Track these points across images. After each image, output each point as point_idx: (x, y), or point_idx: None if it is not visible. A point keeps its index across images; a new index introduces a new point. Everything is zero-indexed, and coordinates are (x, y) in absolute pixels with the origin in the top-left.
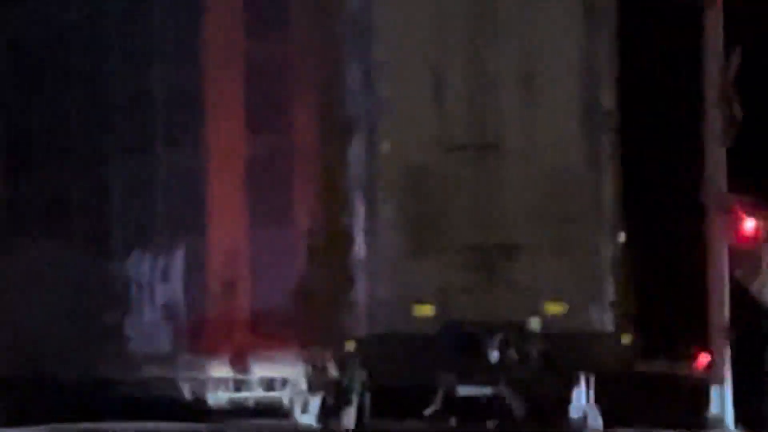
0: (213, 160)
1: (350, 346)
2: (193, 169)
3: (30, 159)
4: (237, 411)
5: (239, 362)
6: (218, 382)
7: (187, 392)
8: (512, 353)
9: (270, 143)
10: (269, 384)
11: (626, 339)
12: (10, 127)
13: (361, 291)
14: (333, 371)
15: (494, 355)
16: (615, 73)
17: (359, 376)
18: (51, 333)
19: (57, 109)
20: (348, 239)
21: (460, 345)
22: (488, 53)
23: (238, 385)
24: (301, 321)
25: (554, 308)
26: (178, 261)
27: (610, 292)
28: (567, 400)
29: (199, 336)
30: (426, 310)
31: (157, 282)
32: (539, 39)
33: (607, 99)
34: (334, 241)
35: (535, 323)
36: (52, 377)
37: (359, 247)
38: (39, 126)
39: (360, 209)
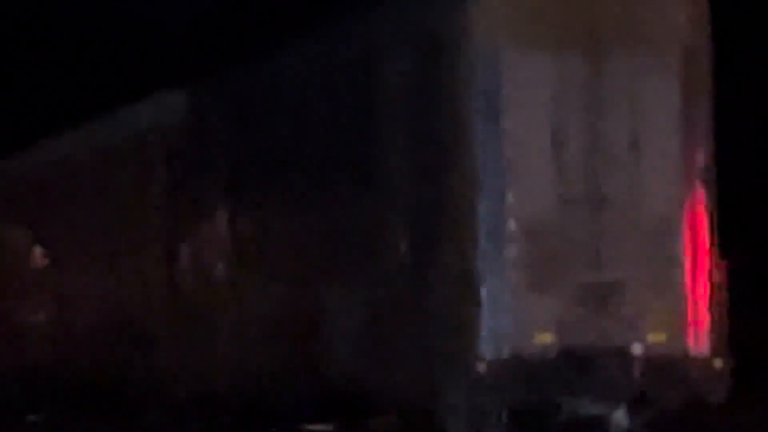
0: None
1: (481, 368)
2: None
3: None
4: None
5: None
6: None
7: None
8: (618, 376)
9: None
10: None
11: (719, 363)
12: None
13: (488, 321)
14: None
15: (604, 378)
16: (711, 132)
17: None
18: None
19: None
20: (477, 276)
21: (575, 368)
22: (600, 119)
23: None
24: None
25: (655, 336)
26: None
27: (705, 320)
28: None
29: None
30: (546, 338)
31: None
32: (644, 105)
33: (704, 155)
34: (465, 277)
35: (636, 349)
36: None
37: (488, 283)
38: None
39: (489, 251)
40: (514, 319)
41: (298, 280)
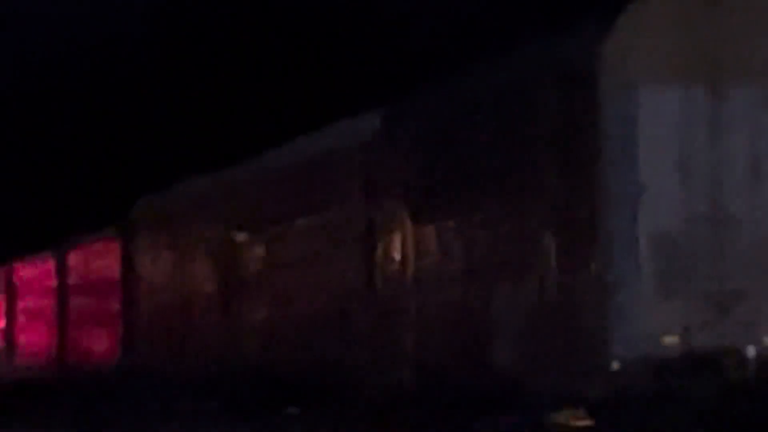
0: None
1: (615, 366)
2: None
3: None
4: None
5: None
6: None
7: None
8: (734, 375)
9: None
10: None
11: None
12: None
13: (622, 324)
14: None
15: (722, 376)
16: None
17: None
18: None
19: None
20: (612, 285)
21: (697, 367)
22: (722, 144)
23: None
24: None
25: None
26: None
27: None
28: None
29: None
30: (672, 339)
31: None
32: (763, 132)
33: None
34: (602, 285)
35: (751, 350)
36: None
37: (621, 292)
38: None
39: (622, 263)
40: (644, 323)
41: (470, 280)
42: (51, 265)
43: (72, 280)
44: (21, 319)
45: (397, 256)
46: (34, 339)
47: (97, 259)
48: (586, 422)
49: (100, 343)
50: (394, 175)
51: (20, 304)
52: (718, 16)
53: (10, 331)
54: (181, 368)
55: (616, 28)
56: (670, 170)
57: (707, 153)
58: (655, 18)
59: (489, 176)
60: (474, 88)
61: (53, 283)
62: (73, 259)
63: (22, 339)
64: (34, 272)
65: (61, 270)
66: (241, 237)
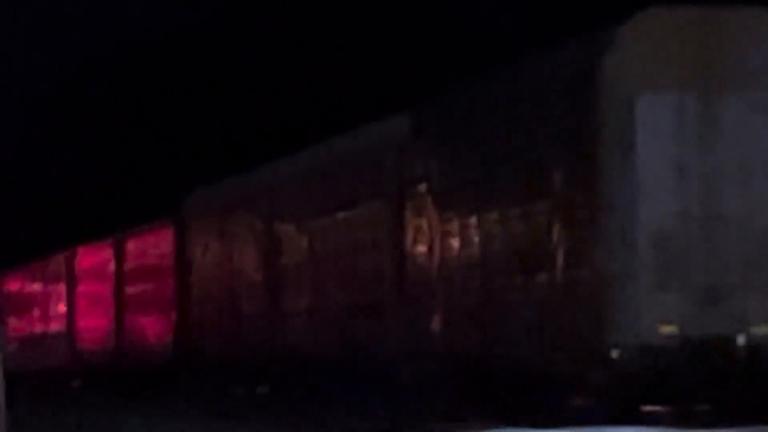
0: None
1: (616, 353)
2: None
3: None
4: None
5: None
6: None
7: None
8: (726, 361)
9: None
10: None
11: None
12: None
13: (623, 315)
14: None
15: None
16: None
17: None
18: None
19: None
20: (613, 279)
21: (692, 353)
22: (714, 149)
23: None
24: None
25: (758, 329)
26: None
27: None
28: None
29: None
30: (669, 329)
31: None
32: (752, 137)
33: None
34: (604, 279)
35: (741, 339)
36: None
37: (622, 285)
38: None
39: (622, 259)
40: (642, 314)
41: (489, 272)
42: (109, 252)
43: (128, 266)
44: (81, 303)
45: (424, 248)
46: (93, 324)
47: (153, 247)
48: None
49: (155, 327)
50: (423, 172)
51: (80, 290)
52: (711, 31)
53: (71, 315)
54: (230, 353)
55: (616, 41)
56: (665, 172)
57: (700, 156)
58: (651, 32)
59: (505, 175)
60: (492, 93)
61: (111, 269)
62: (131, 246)
63: (81, 323)
64: (93, 259)
65: (119, 257)
66: (284, 229)
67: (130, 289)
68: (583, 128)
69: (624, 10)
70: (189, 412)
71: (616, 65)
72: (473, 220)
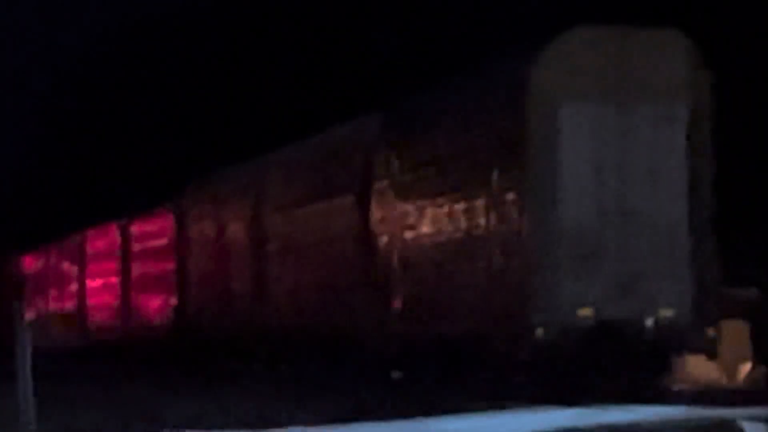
0: None
1: (539, 332)
2: None
3: None
4: None
5: None
6: None
7: None
8: (636, 341)
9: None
10: None
11: (711, 332)
12: None
13: (545, 299)
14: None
15: (627, 339)
16: (711, 175)
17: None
18: None
19: None
20: (537, 268)
21: (606, 334)
22: (627, 153)
23: None
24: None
25: (664, 312)
26: None
27: (697, 303)
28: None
29: None
30: (586, 312)
31: None
32: (660, 143)
33: (706, 189)
34: (530, 268)
35: (649, 321)
36: None
37: (544, 273)
38: None
39: (545, 249)
40: (562, 298)
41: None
42: (116, 234)
43: (133, 248)
44: (91, 282)
45: (386, 238)
46: (102, 301)
47: (155, 230)
48: None
49: (157, 305)
50: (386, 168)
51: (90, 269)
52: (626, 49)
53: (81, 294)
54: (223, 331)
55: (544, 57)
56: (585, 173)
57: (616, 159)
58: (574, 49)
59: (451, 174)
60: (441, 102)
61: (118, 250)
62: (135, 229)
63: (92, 301)
64: (102, 241)
65: (125, 239)
66: (269, 217)
67: (134, 269)
68: (514, 133)
69: (551, 30)
70: (189, 387)
71: (544, 78)
72: (426, 213)
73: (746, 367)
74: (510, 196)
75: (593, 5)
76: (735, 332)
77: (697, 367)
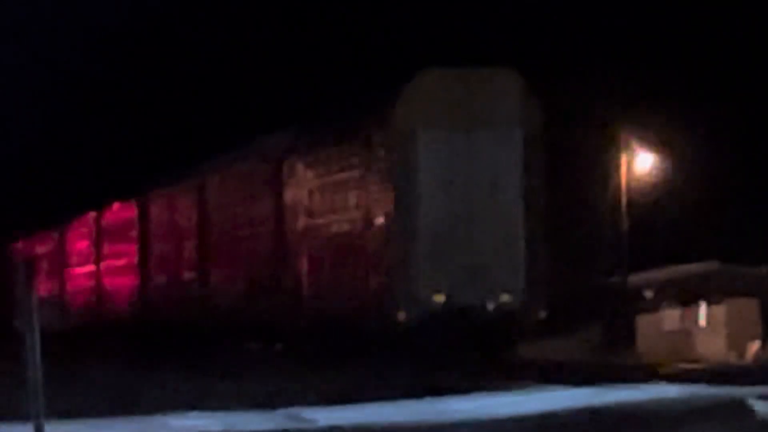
0: None
1: (401, 316)
2: None
3: None
4: None
5: None
6: None
7: None
8: (480, 321)
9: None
10: None
11: (542, 313)
12: None
13: (406, 287)
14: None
15: (473, 320)
16: (542, 186)
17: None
18: None
19: None
20: (400, 261)
21: (455, 316)
22: (473, 170)
23: None
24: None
25: (503, 297)
26: None
27: (529, 288)
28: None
29: None
30: (440, 297)
31: None
32: (499, 163)
33: (538, 197)
34: (395, 260)
35: (491, 305)
36: None
37: (406, 265)
38: None
39: (407, 247)
40: (421, 286)
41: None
42: (92, 225)
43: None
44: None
45: (298, 230)
46: (81, 286)
47: (122, 222)
48: None
49: (125, 290)
50: (295, 172)
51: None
52: (470, 85)
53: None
54: (176, 313)
55: (404, 92)
56: (438, 185)
57: (463, 174)
58: (428, 86)
59: (344, 178)
60: (325, 127)
61: (94, 239)
62: (105, 221)
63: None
64: (79, 231)
65: (98, 229)
66: (211, 213)
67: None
68: (381, 155)
69: (409, 71)
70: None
71: (405, 110)
72: (325, 213)
73: (755, 345)
74: (381, 202)
75: (441, 51)
76: (744, 310)
77: (706, 345)
